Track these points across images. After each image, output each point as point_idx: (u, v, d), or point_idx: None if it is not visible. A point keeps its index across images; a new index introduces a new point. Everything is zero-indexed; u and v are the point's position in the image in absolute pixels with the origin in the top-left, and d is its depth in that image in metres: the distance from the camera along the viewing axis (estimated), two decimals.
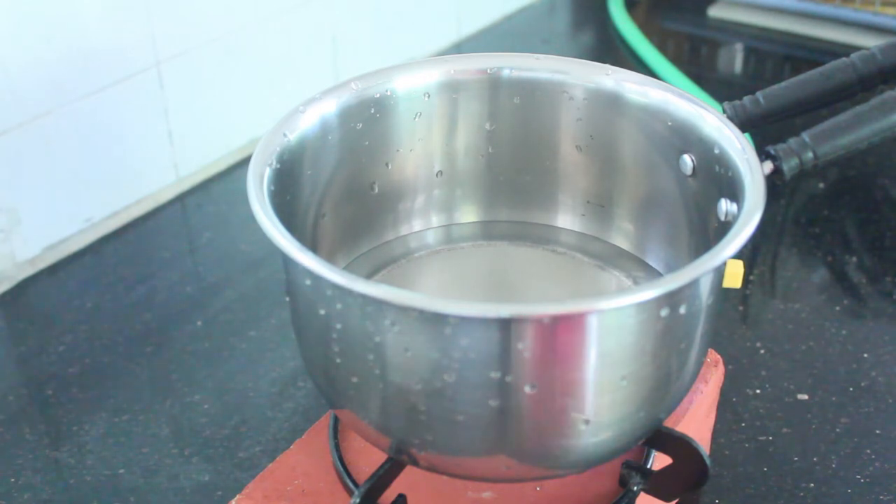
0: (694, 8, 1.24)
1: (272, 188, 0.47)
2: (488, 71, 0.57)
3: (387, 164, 0.57)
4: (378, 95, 0.55)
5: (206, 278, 0.79)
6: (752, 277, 0.78)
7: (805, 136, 0.50)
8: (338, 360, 0.46)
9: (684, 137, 0.52)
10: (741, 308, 0.75)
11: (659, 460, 0.53)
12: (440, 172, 0.59)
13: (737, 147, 0.49)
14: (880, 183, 0.91)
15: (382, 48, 1.05)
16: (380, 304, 0.42)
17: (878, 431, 0.64)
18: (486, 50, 0.59)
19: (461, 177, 0.60)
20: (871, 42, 0.67)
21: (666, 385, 0.47)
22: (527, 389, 0.43)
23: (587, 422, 0.45)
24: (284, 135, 0.51)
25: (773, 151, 0.50)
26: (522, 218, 0.61)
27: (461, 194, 0.60)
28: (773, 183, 0.49)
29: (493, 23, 1.21)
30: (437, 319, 0.41)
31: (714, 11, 1.22)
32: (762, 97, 0.54)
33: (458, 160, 0.59)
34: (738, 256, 0.45)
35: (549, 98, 0.57)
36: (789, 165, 0.50)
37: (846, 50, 0.60)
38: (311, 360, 0.49)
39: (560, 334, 0.42)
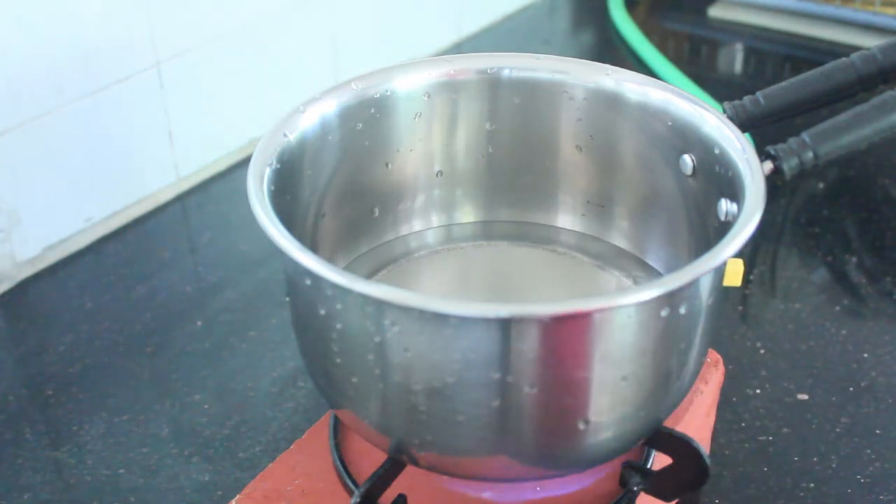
0: (694, 8, 1.24)
1: (272, 188, 0.47)
2: (488, 71, 0.57)
3: (387, 164, 0.57)
4: (378, 95, 0.55)
5: (206, 278, 0.79)
6: (751, 277, 0.78)
7: (805, 136, 0.50)
8: (338, 360, 0.46)
9: (684, 137, 0.52)
10: (741, 308, 0.75)
11: (659, 460, 0.53)
12: (440, 172, 0.59)
13: (737, 147, 0.49)
14: (880, 183, 0.91)
15: (382, 48, 1.05)
16: (380, 304, 0.42)
17: (878, 431, 0.64)
18: (486, 50, 0.59)
19: (461, 177, 0.60)
20: (871, 42, 0.67)
21: (666, 385, 0.47)
22: (527, 389, 0.43)
23: (587, 422, 0.45)
24: (284, 135, 0.51)
25: (773, 151, 0.50)
26: (522, 218, 0.61)
27: (461, 194, 0.60)
28: (773, 183, 0.49)
29: (493, 23, 1.21)
30: (437, 319, 0.41)
31: (714, 11, 1.22)
32: (762, 97, 0.54)
33: (458, 160, 0.59)
34: (738, 256, 0.45)
35: (549, 98, 0.57)
36: (789, 165, 0.50)
37: (846, 50, 0.60)
38: (311, 360, 0.49)
39: (560, 334, 0.42)
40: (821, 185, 0.89)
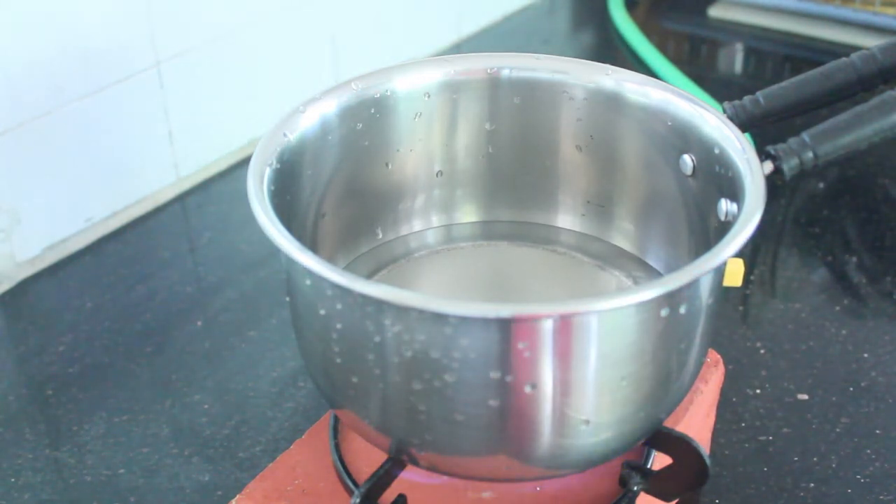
0: (694, 8, 1.24)
1: (272, 188, 0.47)
2: (488, 71, 0.57)
3: (387, 164, 0.57)
4: (378, 95, 0.55)
5: (206, 278, 0.79)
6: (752, 277, 0.78)
7: (805, 136, 0.50)
8: (338, 360, 0.46)
9: (684, 137, 0.52)
10: (741, 308, 0.75)
11: (659, 460, 0.53)
12: (440, 172, 0.59)
13: (737, 147, 0.49)
14: (880, 183, 0.91)
15: (382, 48, 1.05)
16: (380, 304, 0.42)
17: (878, 431, 0.64)
18: (486, 50, 0.59)
19: (461, 177, 0.60)
20: (871, 42, 0.67)
21: (666, 385, 0.47)
22: (527, 389, 0.43)
23: (587, 422, 0.45)
24: (284, 135, 0.51)
25: (773, 151, 0.50)
26: (522, 218, 0.61)
27: (461, 194, 0.60)
28: (773, 183, 0.49)
29: (493, 23, 1.21)
30: (437, 319, 0.41)
31: (714, 11, 1.22)
32: (762, 97, 0.54)
33: (458, 160, 0.59)
34: (738, 256, 0.45)
35: (549, 98, 0.57)
36: (789, 165, 0.50)
37: (846, 50, 0.60)
38: (311, 360, 0.49)
39: (560, 334, 0.42)
40: (821, 185, 0.89)
